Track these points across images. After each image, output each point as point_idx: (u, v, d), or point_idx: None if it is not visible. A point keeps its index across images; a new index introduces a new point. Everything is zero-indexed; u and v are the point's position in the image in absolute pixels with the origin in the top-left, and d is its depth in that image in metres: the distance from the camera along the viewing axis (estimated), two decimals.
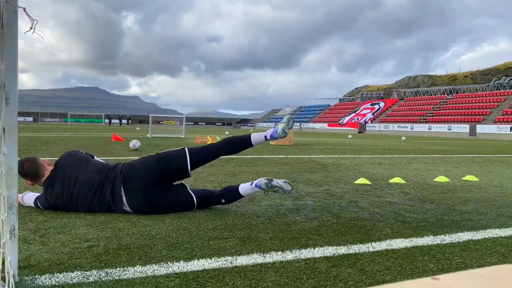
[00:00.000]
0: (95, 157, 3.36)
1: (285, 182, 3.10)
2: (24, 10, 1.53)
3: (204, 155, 3.20)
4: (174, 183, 3.22)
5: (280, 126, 3.12)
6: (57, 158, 3.20)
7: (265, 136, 3.15)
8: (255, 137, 3.18)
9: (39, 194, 3.12)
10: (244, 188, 3.18)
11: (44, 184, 3.05)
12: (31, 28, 1.53)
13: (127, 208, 3.01)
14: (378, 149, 12.80)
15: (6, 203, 1.61)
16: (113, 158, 7.54)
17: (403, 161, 8.59)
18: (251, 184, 3.15)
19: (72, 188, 2.98)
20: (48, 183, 3.03)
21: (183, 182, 3.31)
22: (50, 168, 3.12)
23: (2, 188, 1.58)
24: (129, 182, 3.00)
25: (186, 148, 3.18)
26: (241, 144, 3.23)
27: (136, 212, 3.02)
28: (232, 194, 3.22)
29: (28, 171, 3.01)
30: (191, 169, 3.14)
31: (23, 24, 1.64)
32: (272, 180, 3.07)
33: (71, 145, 10.74)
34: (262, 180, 3.09)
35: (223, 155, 3.27)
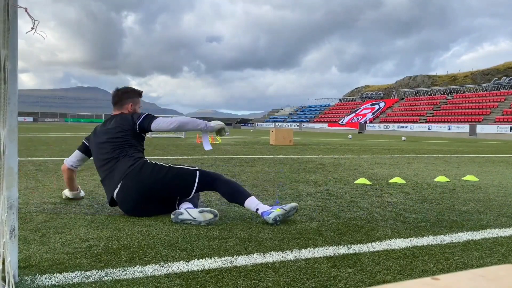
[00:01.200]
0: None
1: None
2: (26, 11, 1.52)
3: (210, 182, 3.05)
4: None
5: (277, 211, 2.78)
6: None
7: (257, 209, 2.89)
8: (250, 202, 2.93)
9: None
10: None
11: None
12: (32, 28, 1.53)
13: (113, 195, 2.98)
14: (378, 149, 12.81)
15: (6, 203, 1.61)
16: None
17: (403, 161, 8.59)
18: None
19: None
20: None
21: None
22: (136, 112, 3.29)
23: (2, 188, 1.58)
24: (127, 186, 2.94)
25: (198, 171, 3.05)
26: (237, 199, 3.00)
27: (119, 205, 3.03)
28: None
29: (113, 95, 3.34)
30: (195, 192, 3.03)
31: (23, 24, 1.64)
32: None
33: (72, 145, 10.73)
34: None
35: (220, 193, 3.09)
